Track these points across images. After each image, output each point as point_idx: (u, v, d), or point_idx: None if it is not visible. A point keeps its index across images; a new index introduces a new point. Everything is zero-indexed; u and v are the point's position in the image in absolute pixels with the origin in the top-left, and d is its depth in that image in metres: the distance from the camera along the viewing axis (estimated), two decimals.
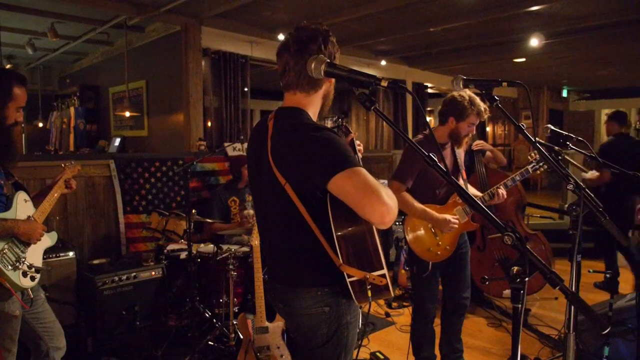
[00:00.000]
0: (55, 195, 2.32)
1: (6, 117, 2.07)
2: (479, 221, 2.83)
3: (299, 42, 1.50)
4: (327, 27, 1.55)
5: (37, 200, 2.27)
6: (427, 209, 2.60)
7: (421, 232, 2.72)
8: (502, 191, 2.71)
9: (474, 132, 2.76)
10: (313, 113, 1.57)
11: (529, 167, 2.72)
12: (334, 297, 1.54)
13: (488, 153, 4.18)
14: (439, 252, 2.70)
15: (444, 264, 2.77)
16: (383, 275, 1.46)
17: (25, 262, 2.10)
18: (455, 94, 2.64)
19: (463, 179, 2.81)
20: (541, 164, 2.69)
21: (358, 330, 1.67)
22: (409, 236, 2.73)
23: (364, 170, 1.35)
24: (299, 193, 1.45)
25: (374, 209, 1.29)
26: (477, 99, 2.62)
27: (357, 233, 1.45)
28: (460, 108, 2.60)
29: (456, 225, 2.61)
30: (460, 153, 2.82)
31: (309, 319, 1.56)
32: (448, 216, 2.61)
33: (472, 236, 4.20)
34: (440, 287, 2.92)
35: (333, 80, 1.57)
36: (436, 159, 1.24)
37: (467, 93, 2.61)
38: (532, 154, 2.76)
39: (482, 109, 2.61)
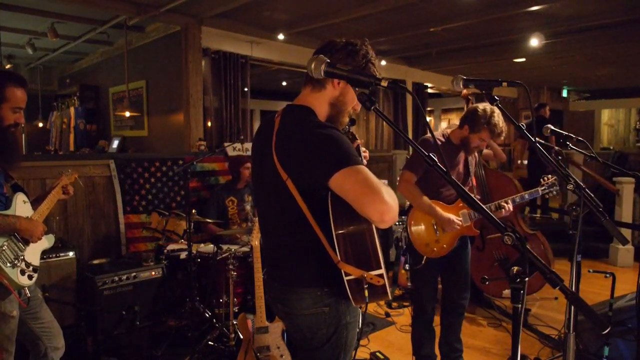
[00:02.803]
0: (53, 200, 2.32)
1: (2, 118, 2.04)
2: (478, 225, 2.85)
3: (317, 50, 1.58)
4: (358, 41, 1.57)
5: (34, 204, 2.27)
6: (434, 205, 2.64)
7: (423, 226, 2.75)
8: (509, 206, 2.74)
9: (484, 146, 2.78)
10: (319, 114, 1.56)
11: (540, 189, 2.76)
12: (333, 298, 1.54)
13: (486, 150, 4.18)
14: (435, 249, 2.73)
15: (443, 263, 2.78)
16: (381, 276, 1.45)
17: (24, 260, 2.10)
18: (480, 106, 2.65)
19: (473, 186, 2.84)
20: (552, 188, 2.73)
21: (358, 330, 1.67)
22: (411, 227, 2.76)
23: (366, 169, 1.36)
24: (300, 189, 1.45)
25: (374, 207, 1.30)
26: (497, 119, 2.59)
27: (356, 232, 1.45)
28: (475, 120, 2.62)
29: (458, 227, 2.64)
30: (471, 160, 2.84)
31: (309, 320, 1.56)
32: (452, 216, 2.64)
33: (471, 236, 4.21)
34: (440, 287, 2.94)
35: (341, 85, 1.55)
36: (436, 159, 1.24)
37: (491, 109, 2.60)
38: (546, 178, 2.79)
39: (497, 130, 2.59)
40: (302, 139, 1.45)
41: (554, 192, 2.76)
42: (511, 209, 2.75)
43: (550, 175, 2.80)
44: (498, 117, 2.60)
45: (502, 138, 2.69)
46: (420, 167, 2.65)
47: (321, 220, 1.45)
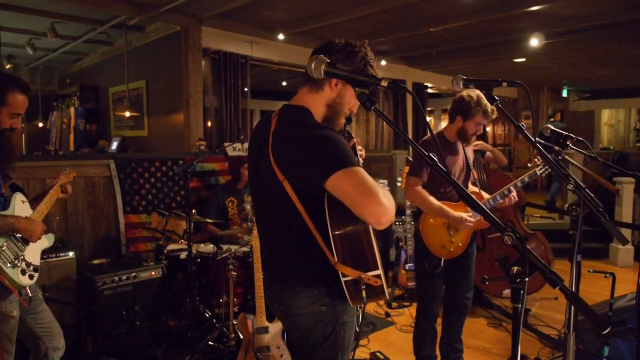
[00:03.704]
0: (52, 199, 2.32)
1: None
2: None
3: (315, 50, 1.57)
4: (357, 42, 1.56)
5: (33, 204, 2.26)
6: (444, 207, 2.62)
7: (436, 229, 2.74)
8: (513, 192, 2.73)
9: (481, 131, 2.78)
10: (316, 114, 1.56)
11: (537, 169, 2.75)
12: (330, 297, 1.54)
13: (488, 154, 4.18)
14: (452, 249, 2.72)
15: (449, 263, 2.78)
16: (378, 276, 1.45)
17: (24, 260, 2.10)
18: (464, 93, 2.65)
19: (475, 178, 2.83)
20: (547, 166, 2.71)
21: (357, 330, 1.67)
22: (424, 232, 2.75)
23: (362, 171, 1.35)
24: (297, 190, 1.45)
25: (370, 209, 1.29)
26: (484, 100, 2.61)
27: (353, 233, 1.44)
28: (466, 107, 2.63)
29: (472, 224, 2.63)
30: (469, 153, 2.84)
31: (306, 319, 1.56)
32: (464, 214, 2.63)
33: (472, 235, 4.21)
34: (443, 287, 2.93)
35: (338, 87, 1.54)
36: (436, 159, 1.24)
37: (476, 93, 2.62)
38: (537, 159, 2.79)
39: (489, 109, 2.61)
40: (299, 140, 1.44)
41: (549, 170, 2.75)
42: (515, 196, 2.74)
43: (539, 157, 2.79)
44: (483, 98, 2.61)
45: (494, 117, 2.70)
46: (424, 170, 2.65)
47: (318, 221, 1.45)
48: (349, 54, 1.53)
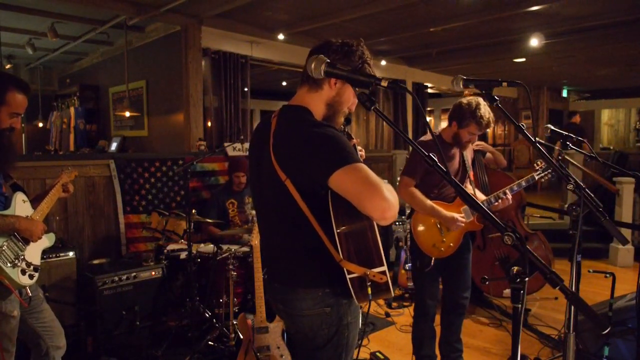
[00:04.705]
0: (54, 198, 2.32)
1: None
2: (481, 218, 2.84)
3: (312, 50, 1.58)
4: (354, 42, 1.57)
5: (34, 203, 2.27)
6: (436, 206, 2.64)
7: (428, 228, 2.75)
8: (508, 195, 2.72)
9: (476, 140, 2.78)
10: (316, 114, 1.56)
11: (535, 174, 2.74)
12: (334, 298, 1.54)
13: (488, 154, 4.18)
14: (442, 249, 2.73)
15: (444, 262, 2.78)
16: (383, 273, 1.45)
17: (24, 260, 2.10)
18: (464, 100, 2.65)
19: (470, 180, 2.83)
20: (547, 172, 2.71)
21: (358, 330, 1.67)
22: (416, 231, 2.76)
23: (364, 166, 1.36)
24: (299, 189, 1.45)
25: (374, 205, 1.30)
26: (483, 110, 2.59)
27: (357, 229, 1.45)
28: (461, 115, 2.63)
29: (463, 224, 2.64)
30: (467, 154, 2.84)
31: (310, 320, 1.56)
32: (455, 214, 2.64)
33: (472, 235, 4.21)
34: (441, 286, 2.94)
35: (337, 86, 1.55)
36: (436, 159, 1.24)
37: (476, 101, 2.61)
38: (539, 162, 2.78)
39: (484, 121, 2.60)
40: (300, 139, 1.45)
41: (549, 176, 2.74)
42: (510, 199, 2.74)
43: (540, 160, 2.78)
44: (484, 109, 2.60)
45: (491, 127, 2.70)
46: (419, 171, 2.66)
47: (322, 219, 1.45)
48: (346, 53, 1.54)
